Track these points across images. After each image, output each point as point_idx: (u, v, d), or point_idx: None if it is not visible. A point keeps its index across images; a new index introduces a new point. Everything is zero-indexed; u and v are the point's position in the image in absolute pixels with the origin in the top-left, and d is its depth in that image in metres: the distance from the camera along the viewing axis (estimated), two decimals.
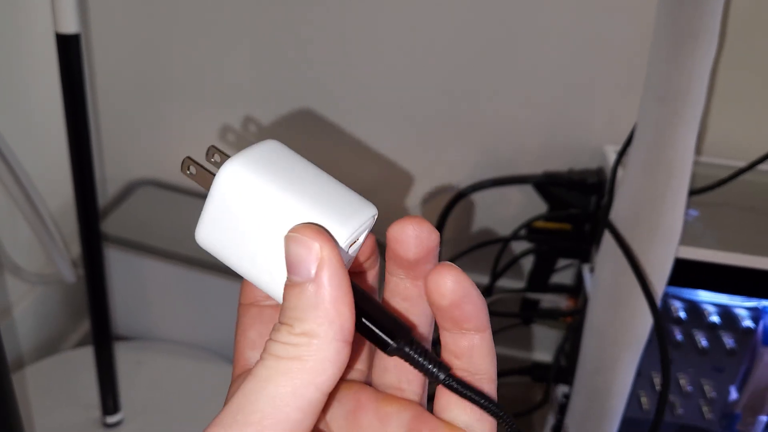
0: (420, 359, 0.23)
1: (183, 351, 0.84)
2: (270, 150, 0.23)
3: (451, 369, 0.23)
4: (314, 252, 0.20)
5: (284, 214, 0.21)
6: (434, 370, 0.22)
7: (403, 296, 0.24)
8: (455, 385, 0.23)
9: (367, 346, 0.26)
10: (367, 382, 0.26)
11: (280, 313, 0.21)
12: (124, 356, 0.79)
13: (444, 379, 0.23)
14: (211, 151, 0.24)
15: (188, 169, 0.23)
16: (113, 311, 0.83)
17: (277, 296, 0.22)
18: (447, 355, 0.23)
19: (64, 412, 0.75)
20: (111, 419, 0.73)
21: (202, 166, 0.23)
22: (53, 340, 0.88)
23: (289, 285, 0.21)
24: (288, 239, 0.21)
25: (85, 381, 0.75)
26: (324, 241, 0.20)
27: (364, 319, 0.23)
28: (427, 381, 0.25)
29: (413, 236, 0.22)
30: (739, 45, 0.72)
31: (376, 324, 0.23)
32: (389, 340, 0.22)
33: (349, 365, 0.26)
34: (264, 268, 0.22)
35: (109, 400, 0.72)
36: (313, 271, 0.20)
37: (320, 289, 0.20)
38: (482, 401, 0.23)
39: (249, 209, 0.22)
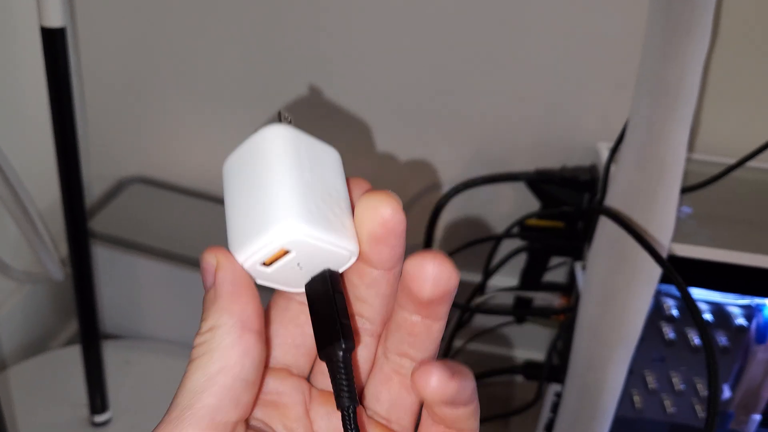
0: (339, 376, 0.22)
1: (172, 350, 0.83)
2: (264, 141, 0.24)
3: (358, 407, 0.23)
4: (212, 262, 0.23)
5: (228, 219, 0.24)
6: (344, 393, 0.22)
7: (409, 332, 0.24)
8: (348, 420, 0.22)
9: (368, 362, 0.26)
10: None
11: None
12: (112, 355, 0.79)
13: (346, 407, 0.22)
14: (282, 115, 0.26)
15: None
16: (102, 309, 0.83)
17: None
18: (432, 415, 0.23)
19: (51, 411, 0.74)
20: (99, 418, 0.72)
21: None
22: (41, 339, 0.87)
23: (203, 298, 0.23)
24: (200, 261, 0.23)
25: (72, 380, 0.75)
26: (219, 253, 0.23)
27: (313, 315, 0.23)
28: (415, 421, 0.25)
29: (431, 275, 0.22)
30: (733, 41, 0.71)
31: (320, 323, 0.23)
32: (317, 346, 0.23)
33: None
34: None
35: (97, 399, 0.72)
36: (211, 278, 0.23)
37: (217, 287, 0.22)
38: None
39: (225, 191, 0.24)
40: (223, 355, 0.22)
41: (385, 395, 0.25)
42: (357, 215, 0.24)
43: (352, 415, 0.22)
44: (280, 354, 0.25)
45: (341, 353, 0.23)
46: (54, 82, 0.58)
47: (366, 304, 0.25)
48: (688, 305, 0.51)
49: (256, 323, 0.22)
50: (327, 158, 0.26)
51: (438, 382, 0.21)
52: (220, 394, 0.21)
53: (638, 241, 0.57)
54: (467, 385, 0.22)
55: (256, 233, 0.22)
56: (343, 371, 0.22)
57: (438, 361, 0.22)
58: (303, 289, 0.24)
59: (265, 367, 0.24)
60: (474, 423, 0.23)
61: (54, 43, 0.56)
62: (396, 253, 0.24)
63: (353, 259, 0.24)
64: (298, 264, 0.23)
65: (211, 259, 0.23)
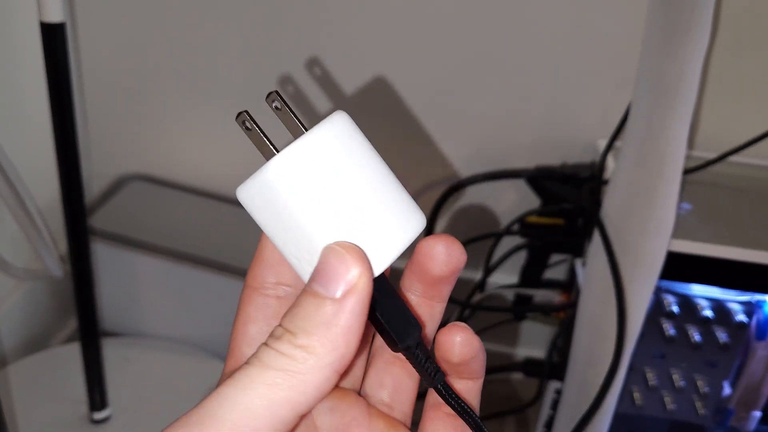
0: (422, 361, 0.23)
1: (171, 347, 0.83)
2: (333, 134, 0.22)
3: (447, 376, 0.24)
4: (351, 274, 0.20)
5: (328, 226, 0.21)
6: (432, 374, 0.23)
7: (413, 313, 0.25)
8: (446, 392, 0.24)
9: (363, 351, 0.26)
10: (358, 390, 0.26)
11: (285, 316, 0.20)
12: (112, 352, 0.78)
13: (438, 384, 0.24)
14: (273, 97, 0.23)
15: (244, 124, 0.22)
16: (101, 307, 0.82)
17: (303, 276, 0.22)
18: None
19: (51, 408, 0.74)
20: (98, 415, 0.72)
21: (260, 130, 0.22)
22: (41, 336, 0.87)
23: (309, 292, 0.20)
24: (329, 250, 0.20)
25: (72, 377, 0.75)
26: (363, 269, 0.20)
27: (379, 315, 0.22)
28: (414, 404, 0.26)
29: (444, 254, 0.23)
30: (732, 38, 0.71)
31: (390, 319, 0.23)
32: (397, 341, 0.23)
33: (348, 371, 0.26)
34: (293, 254, 0.21)
35: (97, 396, 0.72)
36: (339, 293, 0.20)
37: (340, 312, 0.19)
38: (466, 414, 0.24)
39: (293, 213, 0.21)
40: (300, 388, 0.19)
41: (388, 380, 0.25)
42: None
43: (445, 387, 0.23)
44: None
45: (421, 338, 0.23)
46: (53, 78, 0.57)
47: None
48: None
49: (346, 366, 0.20)
50: (342, 142, 0.22)
51: (465, 340, 0.23)
52: (277, 428, 0.19)
53: (613, 270, 0.56)
54: (482, 351, 0.24)
55: (395, 236, 0.22)
56: (425, 353, 0.23)
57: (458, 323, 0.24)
58: None
59: None
60: (476, 405, 0.25)
61: (53, 38, 0.56)
62: None
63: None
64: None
65: (352, 268, 0.20)
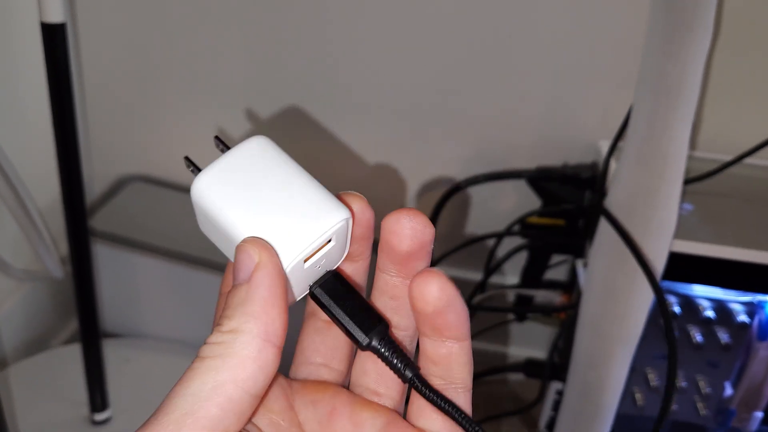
0: (390, 357, 0.23)
1: (172, 348, 0.83)
2: (252, 151, 0.24)
3: (420, 370, 0.23)
4: (253, 258, 0.21)
5: (242, 227, 0.23)
6: (402, 368, 0.23)
7: (391, 295, 0.24)
8: (420, 386, 0.23)
9: (348, 345, 0.26)
10: (345, 385, 0.26)
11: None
12: (112, 353, 0.78)
13: (410, 378, 0.23)
14: (216, 142, 0.26)
15: (189, 167, 0.25)
16: (102, 308, 0.82)
17: None
18: (425, 362, 0.24)
19: (52, 409, 0.74)
20: (99, 416, 0.72)
21: (196, 167, 0.25)
22: (41, 337, 0.87)
23: (229, 291, 0.22)
24: (237, 249, 0.22)
25: (73, 378, 0.75)
26: (263, 250, 0.21)
27: (341, 314, 0.23)
28: (405, 387, 0.25)
29: (408, 227, 0.23)
30: (734, 37, 0.71)
31: (352, 319, 0.23)
32: (362, 336, 0.23)
33: (327, 365, 0.26)
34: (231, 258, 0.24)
35: (97, 397, 0.72)
36: (249, 275, 0.21)
37: (251, 289, 0.21)
38: (446, 406, 0.23)
39: (216, 220, 0.23)
40: (239, 365, 0.20)
41: (371, 366, 0.25)
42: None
43: (419, 381, 0.23)
44: None
45: (387, 334, 0.23)
46: (54, 78, 0.57)
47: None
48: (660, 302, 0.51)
49: (280, 338, 0.21)
50: (261, 157, 0.25)
51: (438, 286, 0.22)
52: (226, 407, 0.20)
53: (628, 245, 0.56)
54: (461, 301, 0.22)
55: (308, 226, 0.22)
56: (393, 349, 0.23)
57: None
58: (297, 298, 0.24)
59: None
60: (467, 372, 0.24)
61: (54, 38, 0.56)
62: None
63: (350, 225, 0.24)
64: (323, 261, 0.24)
65: (252, 253, 0.21)
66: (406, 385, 0.25)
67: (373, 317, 0.23)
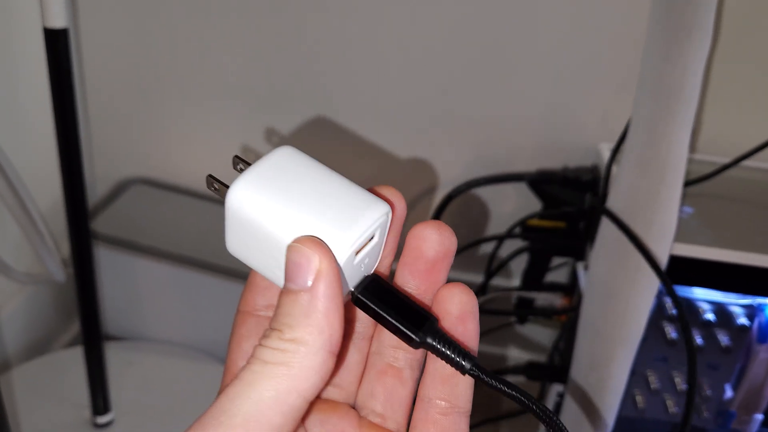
0: (446, 349, 0.23)
1: (174, 351, 0.83)
2: (281, 159, 0.24)
3: (476, 358, 0.23)
4: (313, 263, 0.21)
5: (288, 228, 0.22)
6: (460, 360, 0.23)
7: None
8: (481, 375, 0.23)
9: (359, 366, 0.26)
10: (352, 403, 0.26)
11: (272, 319, 0.21)
12: (114, 356, 0.79)
13: (470, 369, 0.23)
14: (235, 161, 0.25)
15: (212, 186, 0.25)
16: (104, 311, 0.83)
17: (280, 283, 0.23)
18: (431, 381, 0.24)
19: (54, 412, 0.74)
20: (101, 419, 0.72)
21: (222, 183, 0.25)
22: (43, 340, 0.87)
23: (284, 292, 0.21)
24: (289, 249, 0.21)
25: (75, 381, 0.75)
26: (323, 254, 0.21)
27: (389, 314, 0.23)
28: (409, 411, 0.25)
29: (437, 234, 0.24)
30: (734, 41, 0.71)
31: (401, 318, 0.23)
32: (415, 333, 0.23)
33: (337, 384, 0.26)
34: (279, 276, 0.23)
35: (100, 400, 0.72)
36: (309, 282, 0.21)
37: (314, 299, 0.21)
38: (510, 391, 0.23)
39: (258, 226, 0.23)
40: (301, 375, 0.20)
41: (380, 390, 0.25)
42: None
43: (479, 370, 0.23)
44: None
45: (438, 328, 0.23)
46: (56, 83, 0.58)
47: None
48: (676, 305, 0.51)
49: (339, 346, 0.21)
50: (291, 163, 0.25)
51: (466, 293, 0.23)
52: (288, 415, 0.20)
53: (633, 241, 0.57)
54: (478, 319, 0.24)
55: (353, 221, 0.22)
56: (446, 342, 0.23)
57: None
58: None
59: None
60: (469, 397, 0.24)
61: (57, 43, 0.56)
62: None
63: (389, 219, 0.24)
64: (366, 261, 0.24)
65: (312, 257, 0.21)
66: (411, 409, 0.25)
67: (421, 314, 0.23)
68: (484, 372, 0.23)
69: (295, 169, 0.24)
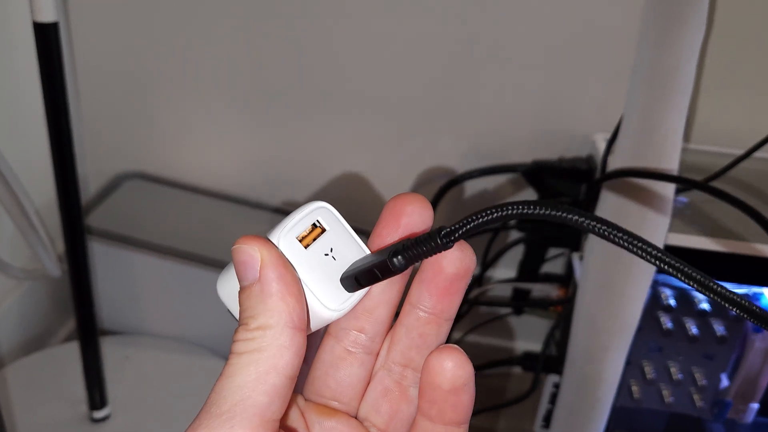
0: (420, 248, 0.22)
1: (171, 345, 0.83)
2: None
3: (444, 226, 0.22)
4: (255, 256, 0.22)
5: None
6: (433, 242, 0.22)
7: (420, 333, 0.25)
8: (453, 231, 0.22)
9: (362, 383, 0.26)
10: (354, 415, 0.26)
11: (239, 319, 0.23)
12: (111, 351, 0.78)
13: (442, 236, 0.22)
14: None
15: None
16: (100, 306, 0.82)
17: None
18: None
19: (50, 408, 0.74)
20: (98, 414, 0.72)
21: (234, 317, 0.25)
22: (39, 336, 0.87)
23: (241, 291, 0.23)
24: (233, 252, 0.23)
25: (71, 376, 0.75)
26: (261, 245, 0.22)
27: (357, 275, 0.24)
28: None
29: (458, 251, 0.24)
30: (728, 30, 0.71)
31: (367, 267, 0.23)
32: (387, 258, 0.23)
33: (339, 400, 0.26)
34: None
35: (96, 395, 0.72)
36: (257, 274, 0.22)
37: (265, 286, 0.22)
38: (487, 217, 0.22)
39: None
40: (275, 355, 0.22)
41: (386, 407, 0.26)
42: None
43: (449, 229, 0.22)
44: None
45: (402, 254, 0.23)
46: (47, 77, 0.57)
47: (371, 317, 0.25)
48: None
49: (304, 321, 0.23)
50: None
51: (458, 362, 0.23)
52: (272, 393, 0.22)
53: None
54: (473, 383, 0.24)
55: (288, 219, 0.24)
56: (418, 248, 0.22)
57: (451, 345, 0.24)
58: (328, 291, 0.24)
59: None
60: (468, 414, 0.24)
61: (47, 38, 0.55)
62: None
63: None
64: (331, 249, 0.24)
65: (252, 251, 0.22)
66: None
67: (381, 252, 0.24)
68: (455, 230, 0.22)
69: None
